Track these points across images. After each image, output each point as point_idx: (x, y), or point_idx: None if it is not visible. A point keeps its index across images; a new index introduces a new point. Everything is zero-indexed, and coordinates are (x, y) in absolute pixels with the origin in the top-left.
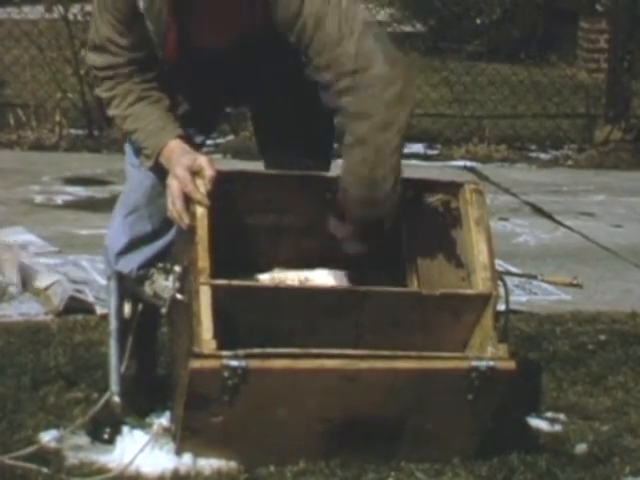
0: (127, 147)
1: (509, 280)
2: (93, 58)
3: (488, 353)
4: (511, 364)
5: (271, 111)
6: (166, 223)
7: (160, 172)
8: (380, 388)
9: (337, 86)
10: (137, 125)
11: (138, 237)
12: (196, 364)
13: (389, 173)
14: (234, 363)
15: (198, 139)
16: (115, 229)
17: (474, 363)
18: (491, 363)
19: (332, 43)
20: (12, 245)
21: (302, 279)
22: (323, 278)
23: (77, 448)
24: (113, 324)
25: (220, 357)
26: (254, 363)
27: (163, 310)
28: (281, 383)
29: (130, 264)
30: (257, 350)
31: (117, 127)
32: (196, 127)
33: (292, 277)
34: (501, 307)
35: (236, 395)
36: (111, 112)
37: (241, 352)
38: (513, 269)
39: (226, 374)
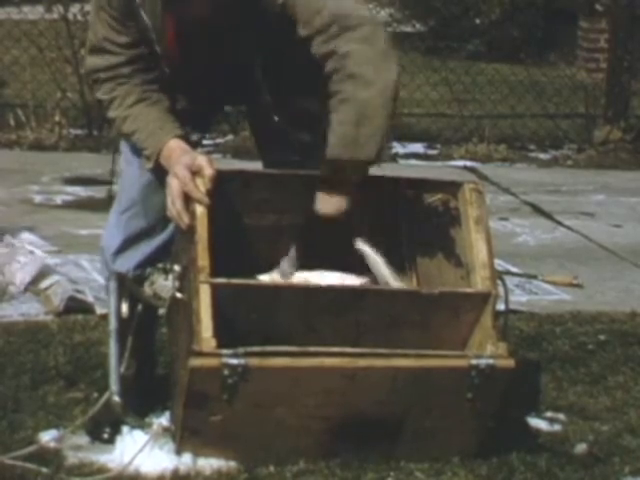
0: (123, 145)
1: (509, 280)
2: (93, 60)
3: (487, 351)
4: (510, 362)
5: (266, 110)
6: (162, 220)
7: (155, 169)
8: (379, 386)
9: (329, 31)
10: (137, 126)
11: (134, 235)
12: (196, 362)
13: (374, 133)
14: (234, 361)
15: (194, 137)
16: (110, 227)
17: (473, 361)
18: (490, 361)
19: (314, 9)
20: (25, 247)
21: (301, 280)
22: (322, 279)
23: (77, 448)
24: (113, 324)
25: (220, 355)
26: (254, 361)
27: (163, 310)
28: (281, 381)
29: (127, 263)
30: (257, 348)
31: (116, 130)
32: (193, 125)
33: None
34: (501, 307)
35: (236, 393)
36: (111, 114)
37: (241, 350)
38: (513, 269)
39: (226, 372)
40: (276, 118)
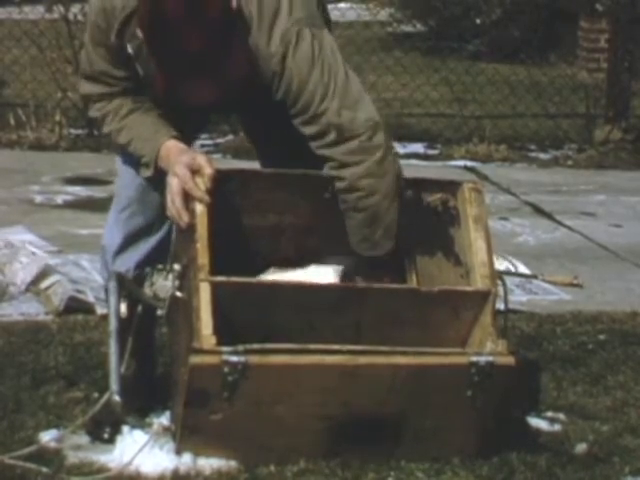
0: None
1: (509, 280)
2: (88, 87)
3: (487, 349)
4: (510, 359)
5: (259, 119)
6: (160, 218)
7: (156, 174)
8: (379, 384)
9: (323, 140)
10: (132, 135)
11: (133, 233)
12: (196, 359)
13: (387, 230)
14: (234, 359)
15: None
16: (110, 226)
17: (473, 358)
18: (490, 358)
19: (312, 112)
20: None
21: (298, 278)
22: (317, 275)
23: (77, 447)
24: (113, 324)
25: (220, 353)
26: (254, 359)
27: (162, 311)
28: (281, 379)
29: (127, 263)
30: (257, 345)
31: (113, 143)
32: (184, 131)
33: (288, 277)
34: (501, 307)
35: (236, 391)
36: (106, 129)
37: (241, 347)
38: (518, 264)
39: (226, 370)
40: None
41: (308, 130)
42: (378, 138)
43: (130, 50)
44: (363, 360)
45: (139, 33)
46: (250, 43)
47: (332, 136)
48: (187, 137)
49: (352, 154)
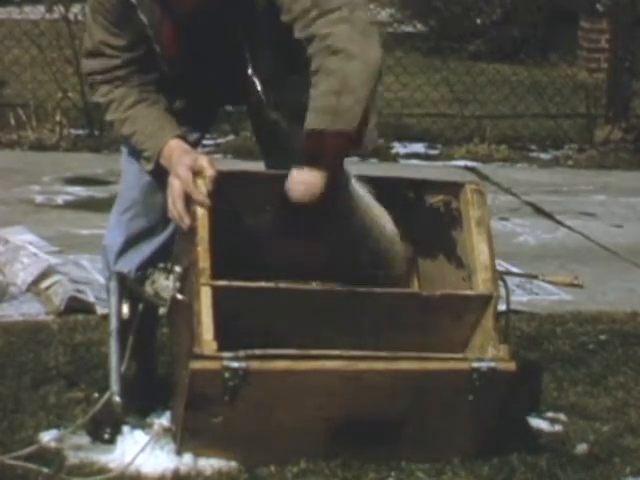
0: (123, 145)
1: (510, 280)
2: (89, 64)
3: (489, 354)
4: (511, 365)
5: (261, 108)
6: (163, 220)
7: (156, 169)
8: (381, 389)
9: (306, 18)
10: (135, 128)
11: (135, 234)
12: (197, 365)
13: (354, 104)
14: (235, 364)
15: (193, 137)
16: (112, 227)
17: (475, 364)
18: (492, 364)
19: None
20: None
21: None
22: None
23: (78, 448)
24: (113, 324)
25: (221, 358)
26: (254, 364)
27: (164, 310)
28: (281, 384)
29: (129, 264)
30: (257, 351)
31: (115, 133)
32: (192, 124)
33: None
34: (502, 307)
35: (237, 396)
36: (109, 117)
37: (242, 353)
38: (514, 269)
39: (227, 375)
40: (273, 116)
41: (293, 11)
42: (360, 12)
43: None
44: (364, 365)
45: None
46: None
47: (314, 12)
48: (196, 127)
49: (334, 24)
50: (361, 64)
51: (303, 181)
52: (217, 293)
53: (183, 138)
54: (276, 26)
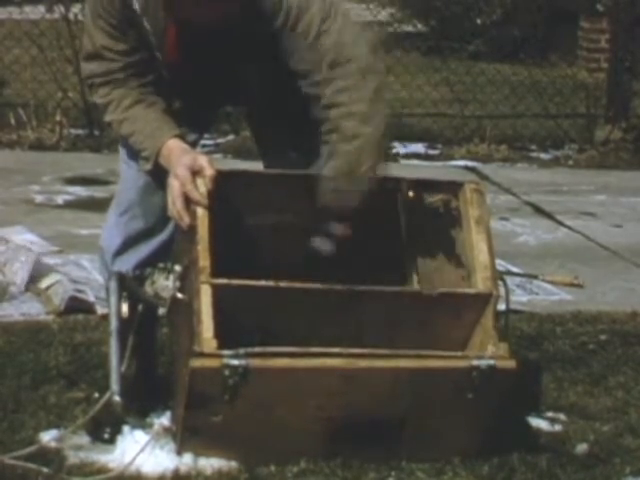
0: (121, 146)
1: (510, 280)
2: (89, 67)
3: (489, 352)
4: (511, 363)
5: (265, 113)
6: (161, 221)
7: (154, 170)
8: (380, 387)
9: (317, 76)
10: (134, 128)
11: (133, 236)
12: (197, 363)
13: (370, 169)
14: (234, 362)
15: (191, 137)
16: (109, 228)
17: (474, 362)
18: (491, 362)
19: (314, 34)
20: (24, 245)
21: None
22: None
23: (78, 448)
24: (113, 324)
25: (221, 356)
26: (254, 362)
27: (164, 310)
28: (281, 382)
29: (126, 264)
30: (257, 349)
31: (114, 133)
32: (190, 125)
33: None
34: (502, 307)
35: (236, 394)
36: (107, 118)
37: (241, 351)
38: (514, 269)
39: (227, 373)
40: (268, 117)
41: (302, 65)
42: (377, 63)
43: (136, 6)
44: (364, 363)
45: None
46: None
47: (331, 55)
48: (194, 129)
49: (350, 76)
50: (375, 128)
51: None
52: (217, 291)
53: (182, 138)
54: (279, 45)
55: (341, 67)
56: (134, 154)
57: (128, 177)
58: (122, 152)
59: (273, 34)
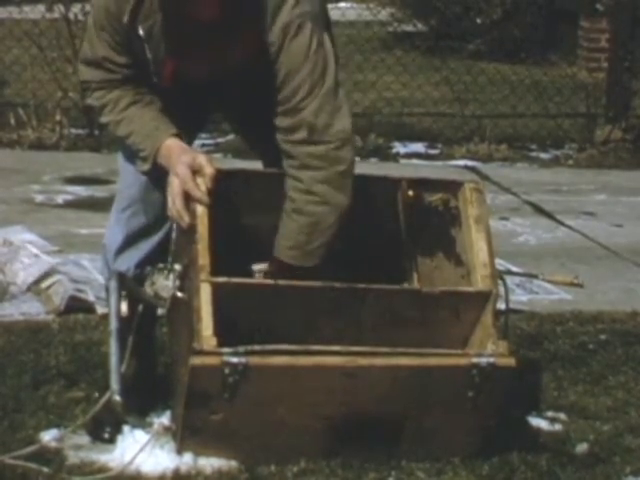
0: (121, 145)
1: (510, 279)
2: (88, 72)
3: (488, 350)
4: (511, 361)
5: (249, 116)
6: (162, 218)
7: (152, 170)
8: (380, 385)
9: (293, 136)
10: (131, 128)
11: (134, 232)
12: (196, 361)
13: (322, 247)
14: (234, 360)
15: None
16: (112, 226)
17: (474, 360)
18: (491, 360)
19: (299, 96)
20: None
21: None
22: None
23: (78, 447)
24: (113, 324)
25: (220, 354)
26: (254, 360)
27: (164, 310)
28: (281, 380)
29: (128, 262)
30: (257, 347)
31: (111, 134)
32: (183, 127)
33: None
34: (501, 306)
35: (236, 392)
36: (104, 119)
37: (241, 349)
38: (514, 268)
39: (226, 371)
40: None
41: (282, 122)
42: (345, 152)
43: (141, 32)
44: (364, 361)
45: (153, 12)
46: (257, 27)
47: (303, 134)
48: (186, 134)
49: (316, 158)
50: (332, 210)
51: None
52: (217, 289)
53: (180, 137)
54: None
55: (309, 146)
56: (132, 154)
57: (129, 173)
58: (123, 149)
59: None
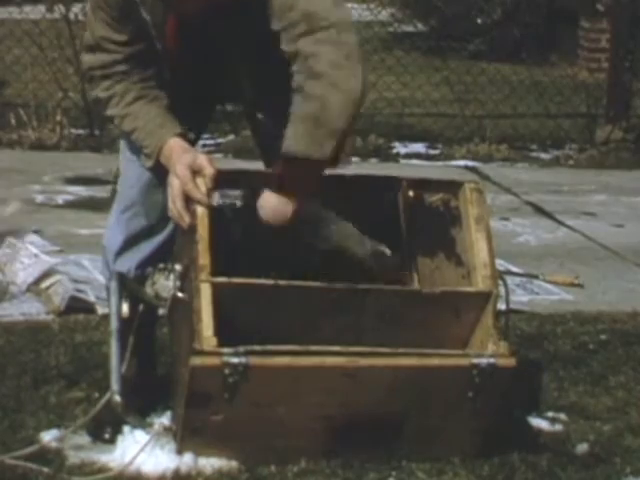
0: (122, 143)
1: (510, 279)
2: (89, 58)
3: (489, 350)
4: (511, 361)
5: (253, 108)
6: (163, 219)
7: (156, 168)
8: (381, 385)
9: (294, 31)
10: (136, 124)
11: (135, 234)
12: (197, 361)
13: (331, 134)
14: (235, 360)
15: (190, 136)
16: (112, 227)
17: (475, 360)
18: (492, 360)
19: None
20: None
21: None
22: None
23: (78, 448)
24: (114, 324)
25: (221, 354)
26: (255, 360)
27: (164, 310)
28: (281, 380)
29: (128, 263)
30: (257, 347)
31: (116, 127)
32: (189, 124)
33: None
34: (502, 307)
35: (237, 392)
36: (109, 112)
37: (242, 349)
38: (514, 269)
39: (227, 371)
40: (259, 116)
41: (283, 21)
42: (347, 36)
43: None
44: (364, 362)
45: None
46: None
47: (303, 26)
48: (194, 126)
49: (321, 44)
50: (341, 95)
51: (273, 207)
52: (217, 290)
53: (183, 136)
54: (270, 35)
55: (310, 35)
56: (136, 151)
57: (130, 174)
58: (124, 149)
59: (266, 16)
